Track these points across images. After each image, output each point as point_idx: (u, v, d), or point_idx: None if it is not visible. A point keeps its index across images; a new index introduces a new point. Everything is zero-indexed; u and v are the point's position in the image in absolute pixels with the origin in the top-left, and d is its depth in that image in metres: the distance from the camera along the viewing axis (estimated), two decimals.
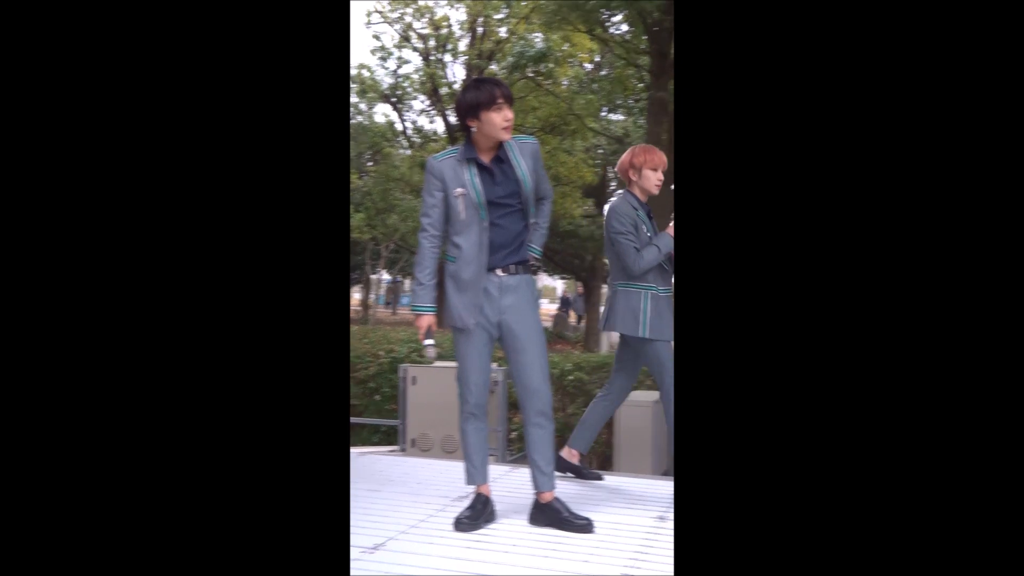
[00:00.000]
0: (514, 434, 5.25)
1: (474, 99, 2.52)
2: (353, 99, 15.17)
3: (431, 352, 2.67)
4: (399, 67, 15.32)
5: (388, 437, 5.94)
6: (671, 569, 2.27)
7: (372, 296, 22.59)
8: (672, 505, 2.96)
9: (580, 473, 3.33)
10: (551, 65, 12.82)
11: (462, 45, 14.95)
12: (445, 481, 3.32)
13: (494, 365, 4.38)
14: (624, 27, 10.70)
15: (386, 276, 26.12)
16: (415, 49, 14.92)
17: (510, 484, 3.21)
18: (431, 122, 16.56)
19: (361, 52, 30.73)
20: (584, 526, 2.60)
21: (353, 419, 5.77)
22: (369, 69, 15.39)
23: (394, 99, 15.70)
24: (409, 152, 15.55)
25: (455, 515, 2.70)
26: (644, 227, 3.14)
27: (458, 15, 17.12)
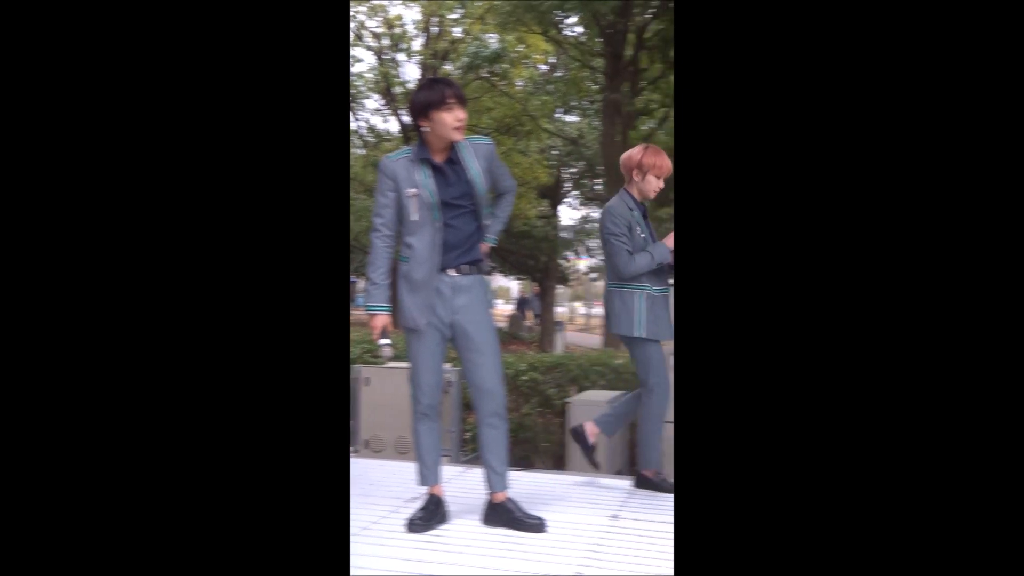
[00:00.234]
0: (468, 435, 5.24)
1: (425, 99, 2.52)
2: None
3: (387, 352, 2.66)
4: (352, 66, 15.19)
5: None
6: (625, 568, 2.29)
7: None
8: (624, 504, 2.99)
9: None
10: (506, 66, 12.84)
11: (416, 44, 14.86)
12: (398, 482, 3.30)
13: (448, 366, 4.37)
14: (579, 29, 10.77)
15: None
16: (368, 48, 14.80)
17: (464, 485, 3.21)
18: (385, 122, 16.48)
19: None
20: (537, 525, 2.61)
21: None
22: None
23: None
24: (363, 152, 15.42)
25: (408, 516, 2.68)
26: (639, 228, 3.11)
27: (412, 14, 17.05)
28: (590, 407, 4.85)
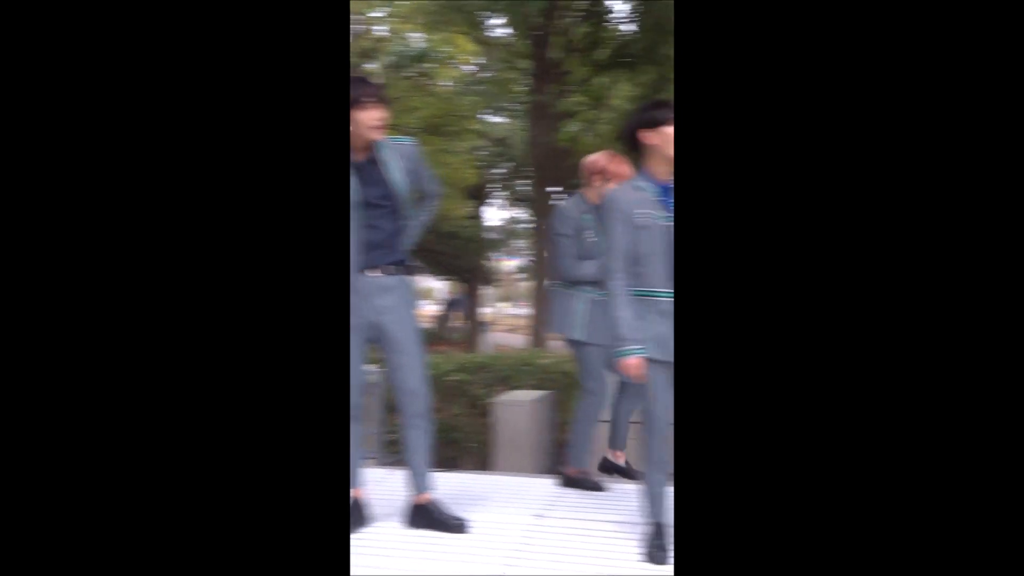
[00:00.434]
0: (392, 436, 5.20)
1: None
2: None
3: None
4: None
5: None
6: (549, 567, 2.31)
7: None
8: (549, 503, 3.01)
9: (626, 473, 3.22)
10: (433, 65, 12.78)
11: None
12: None
13: (373, 367, 4.32)
14: (506, 30, 10.81)
15: None
16: None
17: (388, 487, 3.17)
18: None
19: None
20: (459, 526, 2.60)
21: None
22: None
23: None
24: None
25: None
26: (590, 232, 3.08)
27: None
28: (515, 406, 4.87)
